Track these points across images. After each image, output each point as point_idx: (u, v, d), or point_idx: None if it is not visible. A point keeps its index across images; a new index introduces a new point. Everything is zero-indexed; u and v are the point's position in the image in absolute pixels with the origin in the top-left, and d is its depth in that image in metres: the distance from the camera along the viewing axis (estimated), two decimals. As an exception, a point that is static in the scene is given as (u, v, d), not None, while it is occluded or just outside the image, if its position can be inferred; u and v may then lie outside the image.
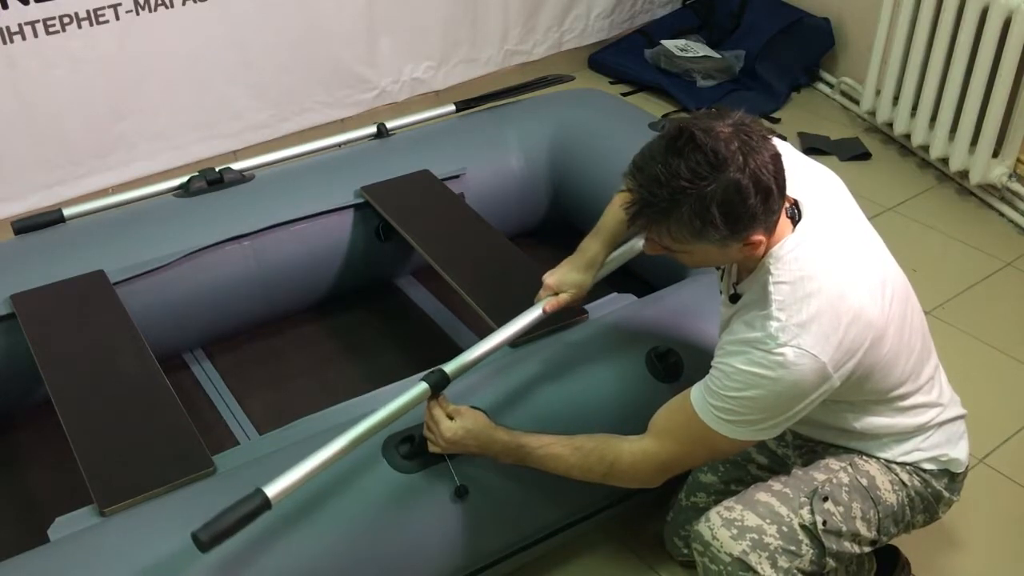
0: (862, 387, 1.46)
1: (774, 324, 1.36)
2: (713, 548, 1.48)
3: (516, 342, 1.79)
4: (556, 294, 1.67)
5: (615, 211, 1.68)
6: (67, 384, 1.72)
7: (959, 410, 1.63)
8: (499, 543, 1.67)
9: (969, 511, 1.97)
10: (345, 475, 1.53)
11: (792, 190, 1.40)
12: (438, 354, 1.70)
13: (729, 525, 1.49)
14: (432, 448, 1.55)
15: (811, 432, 1.63)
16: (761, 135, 1.31)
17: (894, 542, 1.69)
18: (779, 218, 1.37)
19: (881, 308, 1.42)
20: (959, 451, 1.59)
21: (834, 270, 1.39)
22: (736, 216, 1.29)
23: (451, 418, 1.53)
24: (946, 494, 1.60)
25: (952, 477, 1.60)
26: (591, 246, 1.70)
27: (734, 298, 1.48)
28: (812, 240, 1.40)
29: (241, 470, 1.55)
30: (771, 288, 1.38)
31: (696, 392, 1.45)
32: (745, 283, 1.45)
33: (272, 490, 1.37)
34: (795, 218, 1.42)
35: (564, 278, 1.67)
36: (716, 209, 1.27)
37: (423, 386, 1.53)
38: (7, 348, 1.91)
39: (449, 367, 1.57)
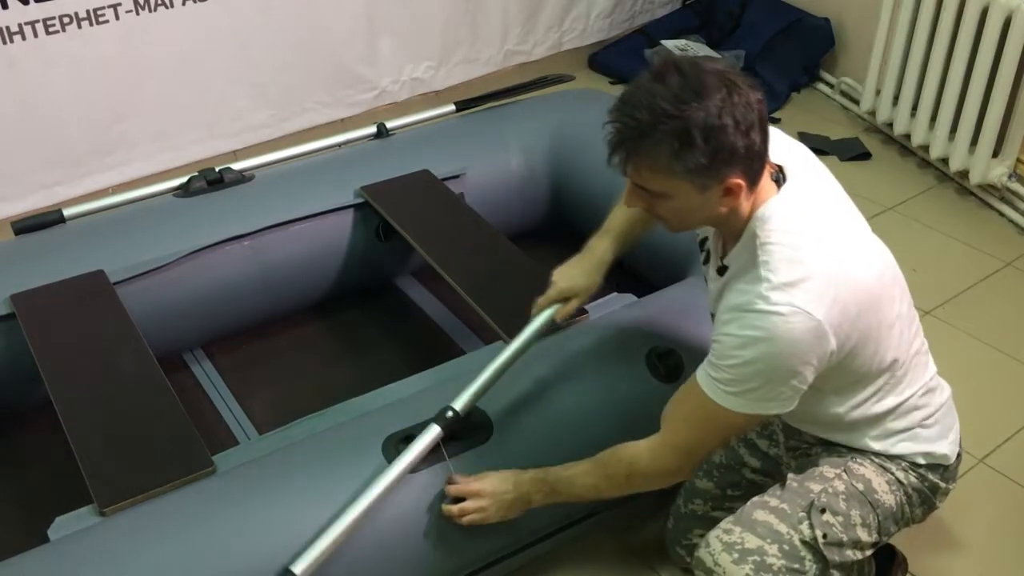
0: (853, 361, 1.43)
1: (765, 285, 1.34)
2: (716, 575, 1.47)
3: (516, 343, 1.81)
4: (564, 299, 1.68)
5: (623, 209, 1.68)
6: (67, 384, 1.72)
7: (946, 392, 1.61)
8: (499, 543, 1.67)
9: (969, 511, 1.97)
10: (344, 475, 1.53)
11: (776, 157, 1.40)
12: (438, 354, 1.70)
13: (730, 549, 1.47)
14: (485, 518, 1.54)
15: (802, 425, 1.61)
16: (747, 82, 1.31)
17: (892, 540, 1.68)
18: (762, 174, 1.36)
19: (870, 275, 1.40)
20: (949, 444, 1.58)
21: (822, 232, 1.38)
22: (718, 144, 1.27)
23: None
24: (942, 484, 1.59)
25: (946, 468, 1.59)
26: (599, 245, 1.69)
27: (722, 270, 1.47)
28: (798, 202, 1.39)
29: (241, 470, 1.55)
30: (759, 251, 1.37)
31: (700, 372, 1.45)
32: (732, 253, 1.44)
33: (299, 566, 1.38)
34: (779, 182, 1.41)
35: (575, 282, 1.67)
36: (697, 133, 1.26)
37: (435, 429, 1.56)
38: (7, 348, 1.91)
39: (460, 402, 1.58)
